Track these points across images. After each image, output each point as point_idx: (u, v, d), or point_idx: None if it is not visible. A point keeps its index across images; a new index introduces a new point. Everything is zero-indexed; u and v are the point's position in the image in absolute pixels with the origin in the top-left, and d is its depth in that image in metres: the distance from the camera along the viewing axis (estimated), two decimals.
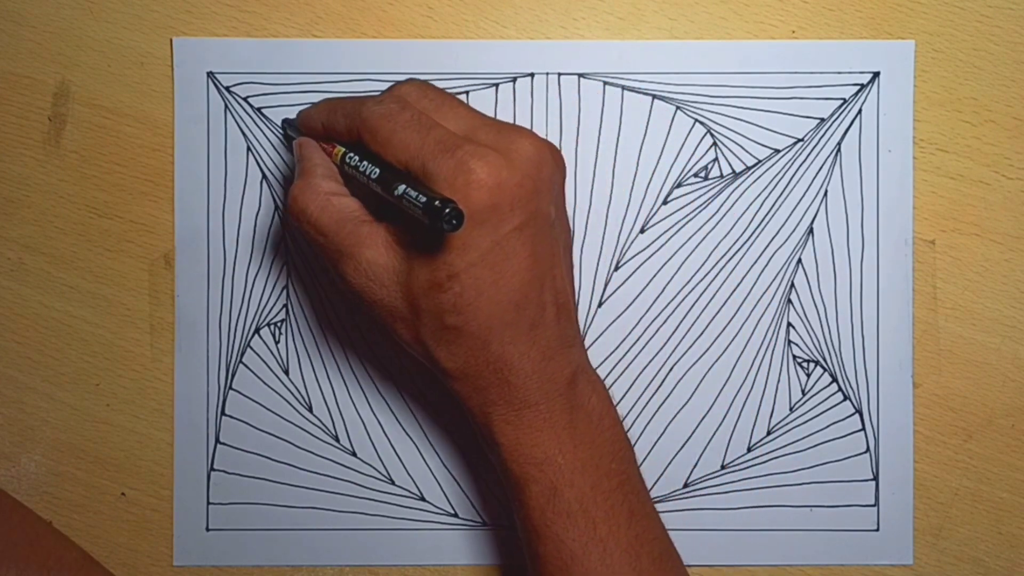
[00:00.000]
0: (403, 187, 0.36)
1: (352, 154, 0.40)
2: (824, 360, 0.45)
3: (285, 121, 0.45)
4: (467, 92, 0.45)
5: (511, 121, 0.45)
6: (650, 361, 0.45)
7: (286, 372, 0.46)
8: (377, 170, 0.38)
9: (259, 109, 0.45)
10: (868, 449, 0.45)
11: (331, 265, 0.40)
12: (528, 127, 0.43)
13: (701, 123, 0.45)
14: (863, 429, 0.45)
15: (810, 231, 0.45)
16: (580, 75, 0.45)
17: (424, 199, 0.35)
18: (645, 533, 0.39)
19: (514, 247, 0.37)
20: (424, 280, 0.37)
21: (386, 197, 0.37)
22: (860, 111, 0.45)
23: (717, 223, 0.45)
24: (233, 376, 0.46)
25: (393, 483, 0.46)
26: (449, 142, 0.37)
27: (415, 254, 0.38)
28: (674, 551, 0.41)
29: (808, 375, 0.46)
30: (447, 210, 0.34)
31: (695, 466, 0.45)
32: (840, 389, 0.45)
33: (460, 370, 0.39)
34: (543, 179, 0.38)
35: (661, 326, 0.45)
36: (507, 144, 0.37)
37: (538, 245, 0.38)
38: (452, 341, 0.38)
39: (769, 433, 0.45)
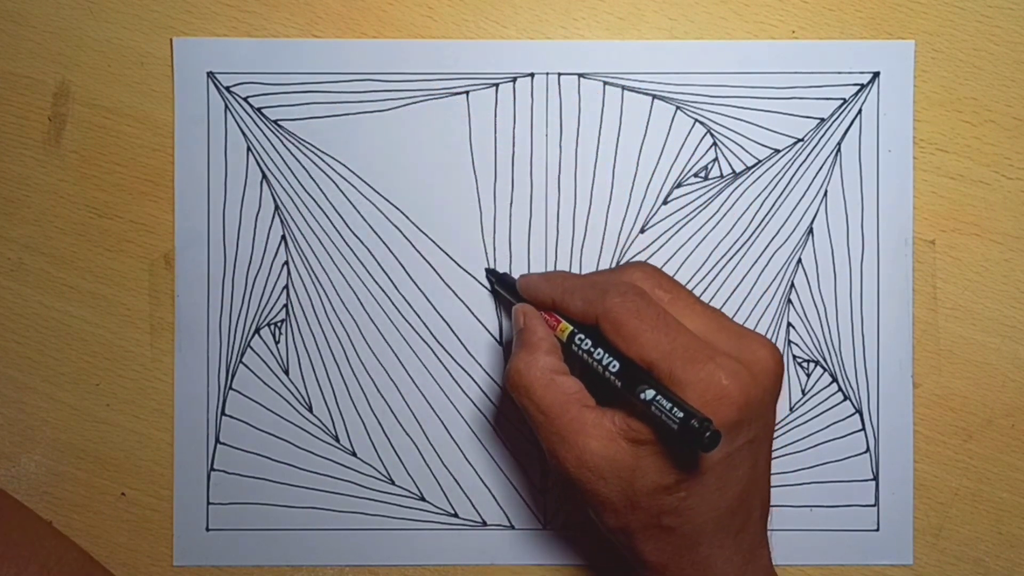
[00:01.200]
0: (652, 393, 0.35)
1: (584, 337, 0.39)
2: (824, 360, 0.45)
3: (494, 273, 0.45)
4: (467, 92, 0.45)
5: (515, 123, 0.45)
6: None
7: (286, 372, 0.46)
8: (616, 363, 0.37)
9: (259, 109, 0.45)
10: (868, 449, 0.45)
11: (547, 445, 0.39)
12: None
13: (701, 123, 0.45)
14: (863, 429, 0.45)
15: (810, 231, 0.45)
16: (580, 75, 0.45)
17: (681, 415, 0.34)
18: None
19: (743, 458, 0.37)
20: (651, 481, 0.37)
21: (624, 393, 0.37)
22: (860, 111, 0.45)
23: (717, 223, 0.45)
24: (233, 376, 0.46)
25: (393, 483, 0.46)
26: (699, 351, 0.36)
27: (644, 453, 0.37)
28: None
29: (808, 375, 0.46)
30: (707, 434, 0.34)
31: None
32: (840, 389, 0.45)
33: (662, 565, 0.38)
34: (777, 391, 0.38)
35: None
36: (750, 356, 0.37)
37: (760, 454, 0.38)
38: (662, 539, 0.38)
39: None
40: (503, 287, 0.44)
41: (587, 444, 0.37)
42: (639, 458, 0.37)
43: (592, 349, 0.38)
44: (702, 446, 0.34)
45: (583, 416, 0.38)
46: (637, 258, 0.45)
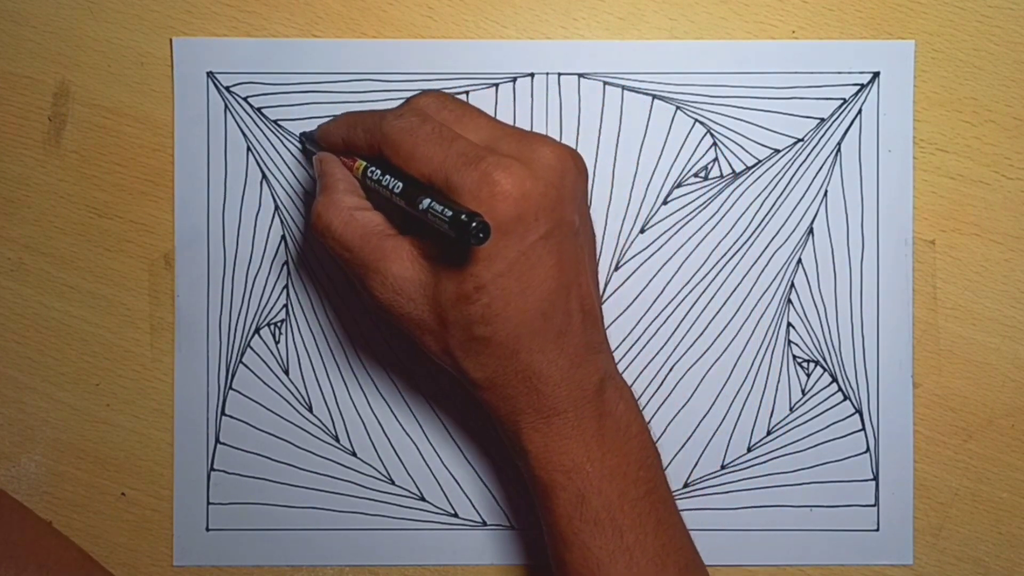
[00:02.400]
0: (428, 201, 0.36)
1: (374, 168, 0.40)
2: (824, 360, 0.45)
3: (303, 135, 0.45)
4: (467, 92, 0.45)
5: (514, 123, 0.45)
6: (650, 361, 0.45)
7: (286, 372, 0.46)
8: (400, 184, 0.38)
9: (259, 109, 0.45)
10: (868, 449, 0.45)
11: (357, 280, 0.40)
12: (546, 133, 0.43)
13: (701, 123, 0.45)
14: (863, 429, 0.45)
15: (810, 231, 0.45)
16: (580, 75, 0.45)
17: (450, 213, 0.35)
18: (672, 542, 0.39)
19: (540, 256, 0.37)
20: (451, 292, 0.37)
21: (410, 211, 0.37)
22: (860, 111, 0.45)
23: (717, 223, 0.45)
24: (233, 376, 0.46)
25: (393, 483, 0.46)
26: (472, 154, 0.37)
27: (441, 267, 0.38)
28: (700, 561, 0.41)
29: (808, 375, 0.46)
30: (474, 224, 0.34)
31: (695, 466, 0.45)
32: (840, 389, 0.45)
33: (488, 380, 0.39)
34: (566, 187, 0.38)
35: (661, 326, 0.45)
36: (529, 153, 0.37)
37: (563, 253, 0.38)
38: (480, 351, 0.38)
39: (769, 433, 0.45)
40: (310, 144, 0.44)
41: (389, 268, 0.38)
42: (437, 272, 0.38)
43: (381, 177, 0.39)
44: (473, 239, 0.34)
45: (384, 244, 0.38)
46: (637, 258, 0.45)
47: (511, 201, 0.36)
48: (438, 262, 0.38)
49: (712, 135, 0.45)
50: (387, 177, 0.39)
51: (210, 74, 0.45)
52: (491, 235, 0.35)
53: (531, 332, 0.38)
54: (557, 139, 0.40)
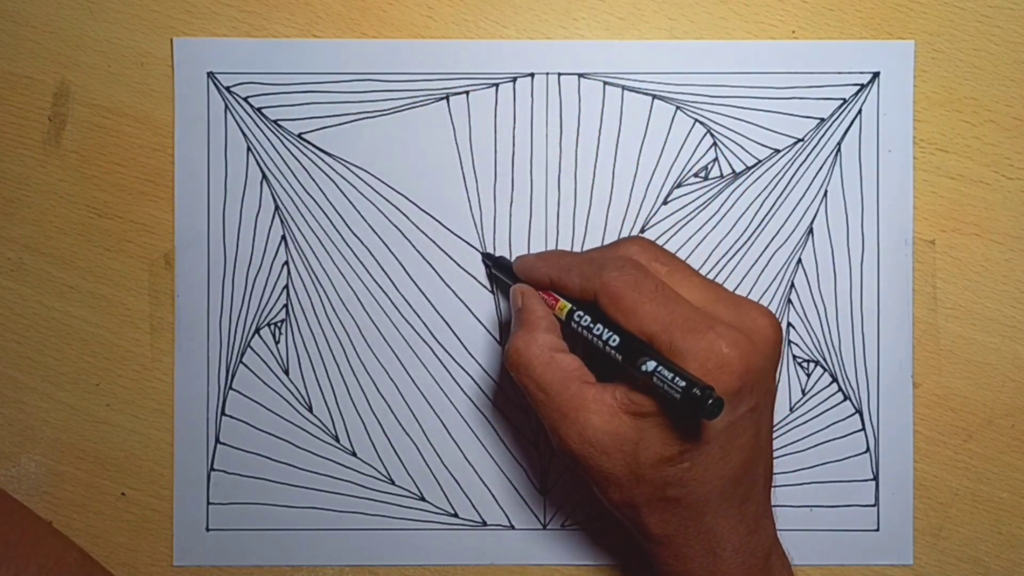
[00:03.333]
0: (653, 364, 0.35)
1: (582, 314, 0.39)
2: (824, 360, 0.45)
3: (490, 257, 0.45)
4: (467, 92, 0.45)
5: (514, 124, 0.45)
6: None
7: (286, 372, 0.46)
8: (616, 337, 0.37)
9: (259, 109, 0.45)
10: (868, 449, 0.45)
11: (548, 423, 0.39)
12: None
13: (701, 123, 0.45)
14: (863, 429, 0.45)
15: (810, 231, 0.45)
16: (580, 75, 0.45)
17: (683, 384, 0.34)
18: None
19: (746, 426, 0.37)
20: (654, 453, 0.37)
21: (626, 366, 0.37)
22: (860, 111, 0.45)
23: (717, 223, 0.45)
24: (233, 376, 0.46)
25: (393, 483, 0.46)
26: (698, 321, 0.36)
27: (646, 426, 0.37)
28: None
29: (808, 375, 0.46)
30: (710, 401, 0.34)
31: None
32: (840, 389, 0.45)
33: (667, 537, 0.38)
34: (777, 359, 0.38)
35: None
36: (749, 324, 0.37)
37: (763, 422, 0.38)
38: (667, 510, 0.38)
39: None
40: (500, 270, 0.44)
41: (589, 419, 0.37)
42: (641, 431, 0.37)
43: (591, 325, 0.38)
44: (705, 414, 0.34)
45: (584, 392, 0.38)
46: None
47: (736, 376, 0.36)
48: (643, 420, 0.37)
49: (712, 135, 0.45)
50: (599, 326, 0.38)
51: (210, 74, 0.45)
52: (723, 411, 0.34)
53: (720, 497, 0.38)
54: (764, 305, 0.40)
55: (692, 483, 0.37)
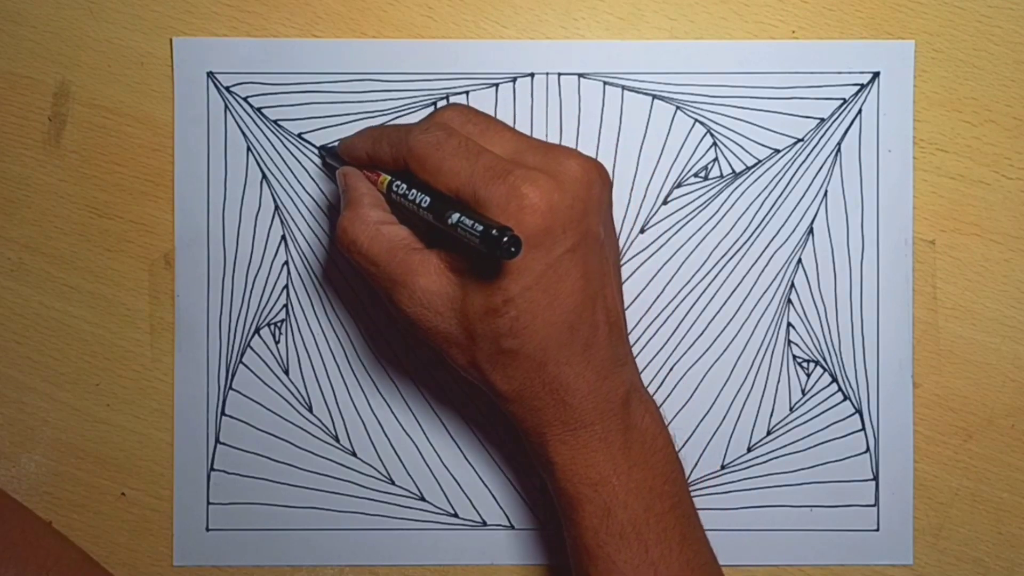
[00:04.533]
0: (457, 215, 0.36)
1: (399, 182, 0.39)
2: (824, 360, 0.45)
3: (323, 148, 0.45)
4: (467, 92, 0.45)
5: (514, 124, 0.45)
6: (650, 361, 0.45)
7: (286, 372, 0.46)
8: (427, 198, 0.38)
9: (259, 109, 0.45)
10: (868, 449, 0.45)
11: (383, 294, 0.39)
12: (567, 143, 0.44)
13: (701, 123, 0.45)
14: (863, 429, 0.45)
15: (810, 231, 0.45)
16: (580, 75, 0.45)
17: (481, 228, 0.35)
18: (696, 558, 0.39)
19: (567, 269, 0.37)
20: (479, 306, 0.37)
21: (438, 225, 0.37)
22: (860, 111, 0.45)
23: (717, 223, 0.45)
24: (233, 376, 0.46)
25: (393, 483, 0.46)
26: (499, 168, 0.37)
27: (469, 280, 0.37)
28: None
29: (808, 375, 0.46)
30: (505, 239, 0.34)
31: (695, 466, 0.45)
32: (840, 389, 0.45)
33: (516, 392, 0.39)
34: (592, 199, 0.38)
35: (661, 326, 0.45)
36: (555, 166, 0.37)
37: (589, 265, 0.38)
38: (508, 364, 0.38)
39: (769, 433, 0.46)
40: (331, 158, 0.44)
41: (416, 282, 0.38)
42: (465, 286, 0.38)
43: (407, 192, 0.39)
44: (505, 254, 0.34)
45: (410, 258, 0.38)
46: (637, 258, 0.45)
47: (539, 214, 0.36)
48: (466, 275, 0.38)
49: (712, 135, 0.45)
50: (413, 191, 0.39)
51: (210, 74, 0.45)
52: (522, 249, 0.35)
53: (558, 344, 0.38)
54: (581, 150, 0.40)
55: (523, 332, 0.37)
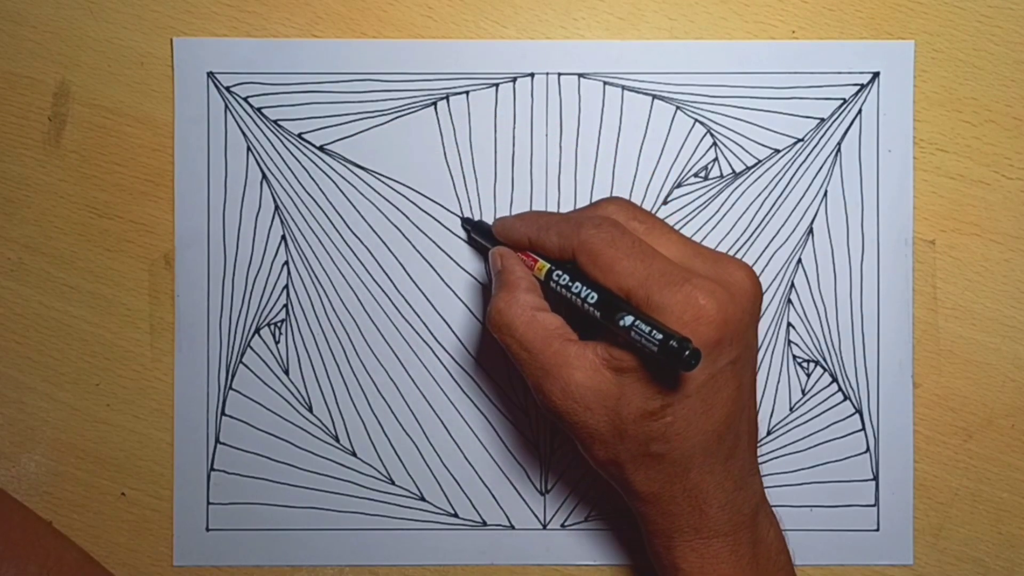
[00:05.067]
0: (631, 319, 0.35)
1: (561, 273, 0.39)
2: (824, 360, 0.45)
3: (468, 221, 0.45)
4: (467, 92, 0.45)
5: (515, 124, 0.45)
6: None
7: (286, 372, 0.46)
8: (594, 294, 0.37)
9: (259, 109, 0.45)
10: (868, 449, 0.45)
11: (532, 381, 0.39)
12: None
13: (701, 123, 0.45)
14: (863, 429, 0.45)
15: (810, 231, 0.45)
16: (580, 75, 0.45)
17: (660, 337, 0.34)
18: None
19: (727, 379, 0.37)
20: (636, 408, 0.37)
21: (604, 323, 0.37)
22: (860, 111, 0.45)
23: (717, 223, 0.45)
24: (233, 376, 0.46)
25: (393, 483, 0.46)
26: (675, 274, 0.37)
27: (628, 381, 0.37)
28: None
29: (808, 375, 0.46)
30: (687, 352, 0.34)
31: None
32: (840, 389, 0.45)
33: (654, 495, 0.38)
34: (756, 312, 0.38)
35: None
36: (727, 277, 0.37)
37: (744, 377, 0.38)
38: (652, 467, 0.38)
39: (769, 433, 0.45)
40: (479, 234, 0.44)
41: (571, 376, 0.37)
42: (623, 386, 0.37)
43: (570, 283, 0.38)
44: (683, 366, 0.34)
45: (566, 349, 0.38)
46: None
47: (714, 327, 0.36)
48: (624, 376, 0.37)
49: (712, 135, 0.45)
50: (577, 284, 0.38)
51: (210, 74, 0.45)
52: (701, 361, 0.34)
53: (705, 452, 0.37)
54: (742, 259, 0.40)
55: (675, 438, 0.37)
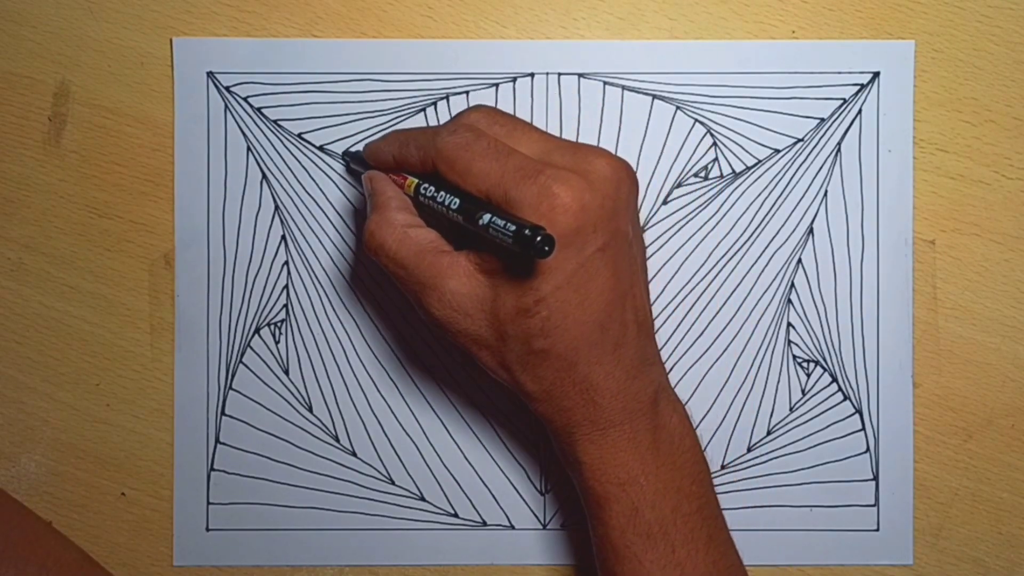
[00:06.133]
0: (488, 216, 0.36)
1: (427, 185, 0.39)
2: (824, 360, 0.45)
3: (347, 153, 0.45)
4: (467, 92, 0.45)
5: None
6: None
7: (286, 372, 0.46)
8: (457, 200, 0.38)
9: (259, 109, 0.45)
10: (868, 449, 0.45)
11: (412, 297, 0.39)
12: (600, 145, 0.44)
13: (701, 123, 0.45)
14: (863, 429, 0.45)
15: (810, 231, 0.45)
16: (580, 75, 0.45)
17: (513, 228, 0.35)
18: (721, 560, 0.39)
19: (597, 268, 0.37)
20: (511, 306, 0.37)
21: (468, 226, 0.37)
22: (860, 111, 0.45)
23: (717, 223, 0.45)
24: (233, 376, 0.46)
25: (393, 483, 0.46)
26: (529, 168, 0.37)
27: (500, 281, 0.37)
28: None
29: (808, 375, 0.46)
30: (538, 238, 0.34)
31: None
32: (840, 389, 0.45)
33: (545, 392, 0.39)
34: (622, 198, 0.38)
35: (661, 326, 0.45)
36: (585, 165, 0.37)
37: (619, 264, 0.38)
38: (538, 364, 0.38)
39: (769, 433, 0.46)
40: (356, 163, 0.44)
41: (446, 285, 0.38)
42: (496, 287, 0.37)
43: (435, 194, 0.39)
44: (538, 253, 0.34)
45: (439, 261, 0.38)
46: None
47: (571, 214, 0.36)
48: (495, 277, 0.37)
49: (712, 135, 0.45)
50: (442, 193, 0.38)
51: (210, 74, 0.45)
52: (555, 248, 0.34)
53: (589, 344, 0.38)
54: (610, 150, 0.40)
55: (554, 332, 0.37)
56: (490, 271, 0.38)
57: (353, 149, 0.45)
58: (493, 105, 0.41)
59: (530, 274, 0.37)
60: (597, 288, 0.37)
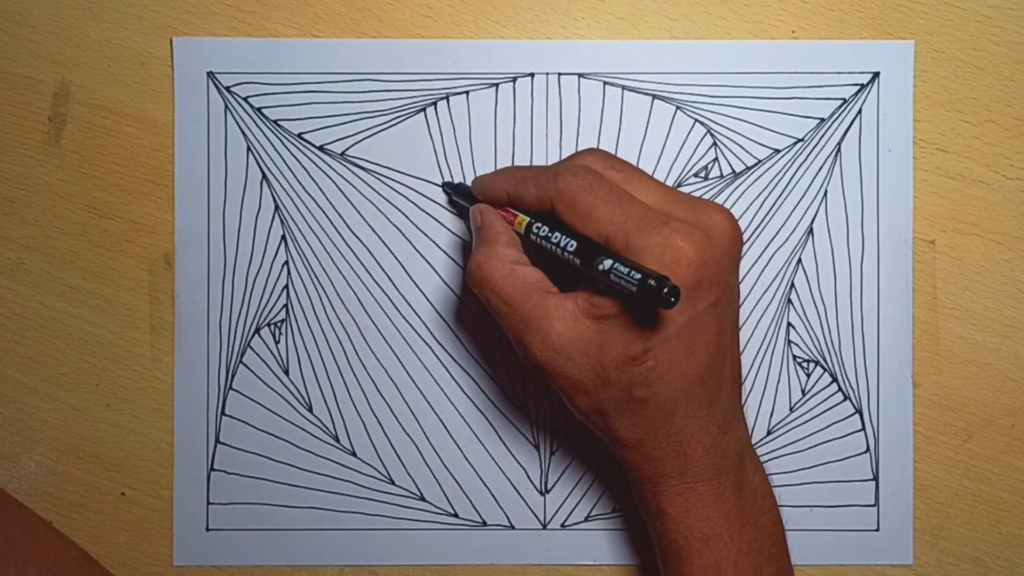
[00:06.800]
0: (610, 262, 0.35)
1: (540, 224, 0.39)
2: (824, 360, 0.45)
3: (448, 184, 0.45)
4: (467, 92, 0.45)
5: (515, 124, 0.45)
6: None
7: (286, 372, 0.46)
8: (573, 242, 0.37)
9: (259, 109, 0.45)
10: (868, 449, 0.45)
11: (513, 334, 0.39)
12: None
13: (701, 123, 0.45)
14: (863, 429, 0.45)
15: (810, 231, 0.45)
16: (580, 75, 0.45)
17: (639, 276, 0.34)
18: None
19: (707, 323, 0.37)
20: (618, 353, 0.37)
21: (583, 269, 0.37)
22: (860, 111, 0.45)
23: None
24: (233, 376, 0.46)
25: (393, 483, 0.46)
26: (653, 218, 0.37)
27: (608, 327, 0.37)
28: None
29: (808, 375, 0.46)
30: (665, 289, 0.34)
31: None
32: (840, 389, 0.45)
33: (638, 440, 0.38)
34: (735, 255, 0.38)
35: None
36: (705, 220, 0.37)
37: (725, 320, 0.38)
38: (635, 412, 0.38)
39: (769, 433, 0.46)
40: (460, 196, 0.44)
41: (552, 327, 0.38)
42: (604, 333, 0.37)
43: (550, 234, 0.38)
44: (663, 304, 0.34)
45: (546, 301, 0.38)
46: None
47: (692, 268, 0.36)
48: (604, 322, 0.37)
49: (712, 135, 0.45)
50: (557, 234, 0.38)
51: (210, 74, 0.45)
52: (680, 300, 0.34)
53: (688, 396, 0.38)
54: (721, 204, 0.40)
55: (658, 382, 0.37)
56: (599, 316, 0.37)
57: (455, 182, 0.45)
58: (605, 149, 0.41)
59: (642, 324, 0.37)
60: (704, 343, 0.37)
